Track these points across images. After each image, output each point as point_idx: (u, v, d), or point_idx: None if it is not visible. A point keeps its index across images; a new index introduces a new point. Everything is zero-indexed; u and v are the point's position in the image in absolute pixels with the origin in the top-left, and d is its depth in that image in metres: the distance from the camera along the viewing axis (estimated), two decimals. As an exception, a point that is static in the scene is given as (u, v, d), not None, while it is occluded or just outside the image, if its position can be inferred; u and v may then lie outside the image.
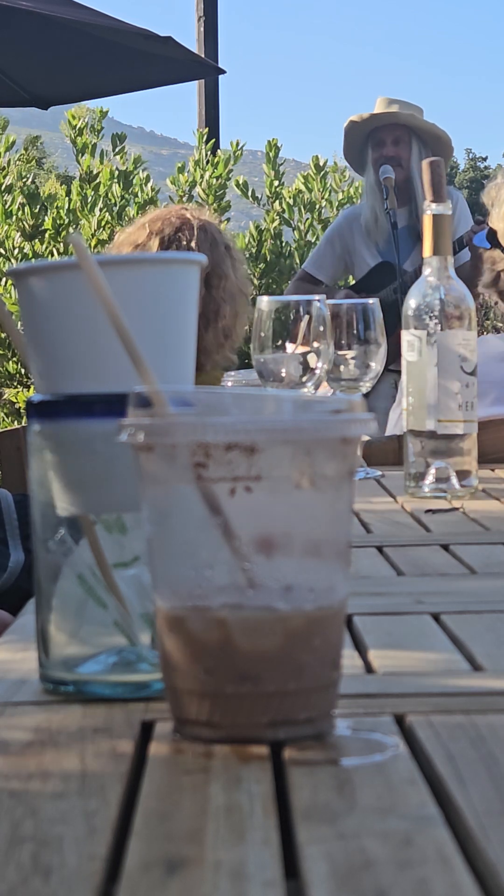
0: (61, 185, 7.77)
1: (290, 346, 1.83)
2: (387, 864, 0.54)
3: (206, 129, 6.89)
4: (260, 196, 6.73)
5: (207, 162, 6.58)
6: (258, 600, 0.72)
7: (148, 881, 0.53)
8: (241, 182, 6.67)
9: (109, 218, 6.41)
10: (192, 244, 2.73)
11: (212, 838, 0.58)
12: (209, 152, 6.63)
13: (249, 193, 6.69)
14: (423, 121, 4.77)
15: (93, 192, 6.46)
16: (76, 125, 6.58)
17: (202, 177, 6.55)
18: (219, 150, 6.76)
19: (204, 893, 0.52)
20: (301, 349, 1.82)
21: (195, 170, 6.62)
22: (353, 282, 5.01)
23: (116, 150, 6.73)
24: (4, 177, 6.51)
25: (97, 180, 6.52)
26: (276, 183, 6.67)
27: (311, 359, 1.82)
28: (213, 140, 6.83)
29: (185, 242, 2.74)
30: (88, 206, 6.41)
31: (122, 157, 6.71)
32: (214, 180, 6.52)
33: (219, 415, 0.77)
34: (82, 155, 6.61)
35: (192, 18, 7.13)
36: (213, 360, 2.81)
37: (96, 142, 6.65)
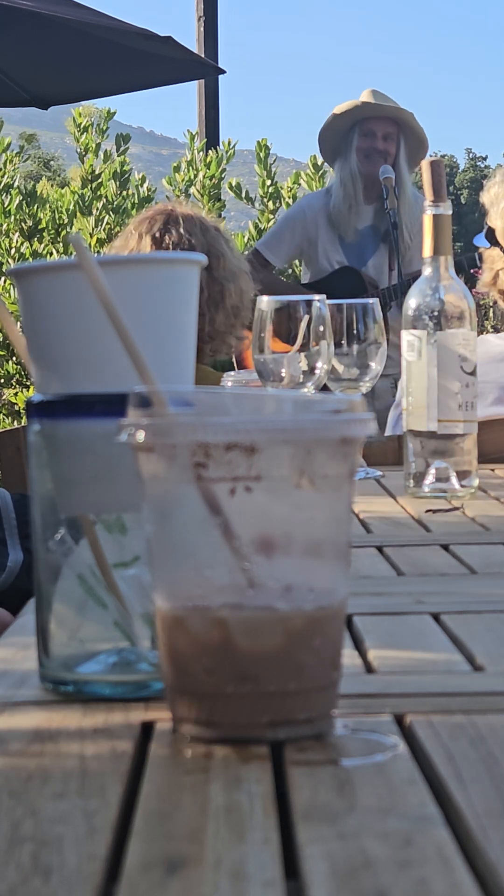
0: (54, 186, 7.77)
1: (276, 344, 1.83)
2: (387, 864, 0.54)
3: (197, 130, 6.88)
4: (255, 196, 6.72)
5: (200, 162, 6.58)
6: (258, 600, 0.72)
7: (148, 881, 0.53)
8: (233, 184, 6.66)
9: (108, 217, 6.40)
10: (182, 231, 2.74)
11: (212, 838, 0.58)
12: (200, 152, 6.62)
13: (243, 195, 6.68)
14: (414, 121, 4.76)
15: (90, 193, 6.45)
16: (81, 123, 6.56)
17: (195, 177, 6.55)
18: (211, 150, 6.75)
19: (204, 893, 0.52)
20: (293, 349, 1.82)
21: (188, 170, 6.61)
22: (305, 271, 4.95)
23: (120, 150, 6.71)
24: (2, 177, 6.50)
25: (99, 180, 6.51)
26: (268, 182, 6.66)
27: (302, 358, 1.82)
28: (205, 140, 6.82)
29: (175, 233, 2.75)
30: (85, 205, 6.39)
31: (124, 157, 6.70)
32: (208, 180, 6.52)
33: (219, 415, 0.77)
34: (85, 154, 6.59)
35: (192, 18, 7.13)
36: (227, 342, 2.82)
37: (100, 142, 6.63)
